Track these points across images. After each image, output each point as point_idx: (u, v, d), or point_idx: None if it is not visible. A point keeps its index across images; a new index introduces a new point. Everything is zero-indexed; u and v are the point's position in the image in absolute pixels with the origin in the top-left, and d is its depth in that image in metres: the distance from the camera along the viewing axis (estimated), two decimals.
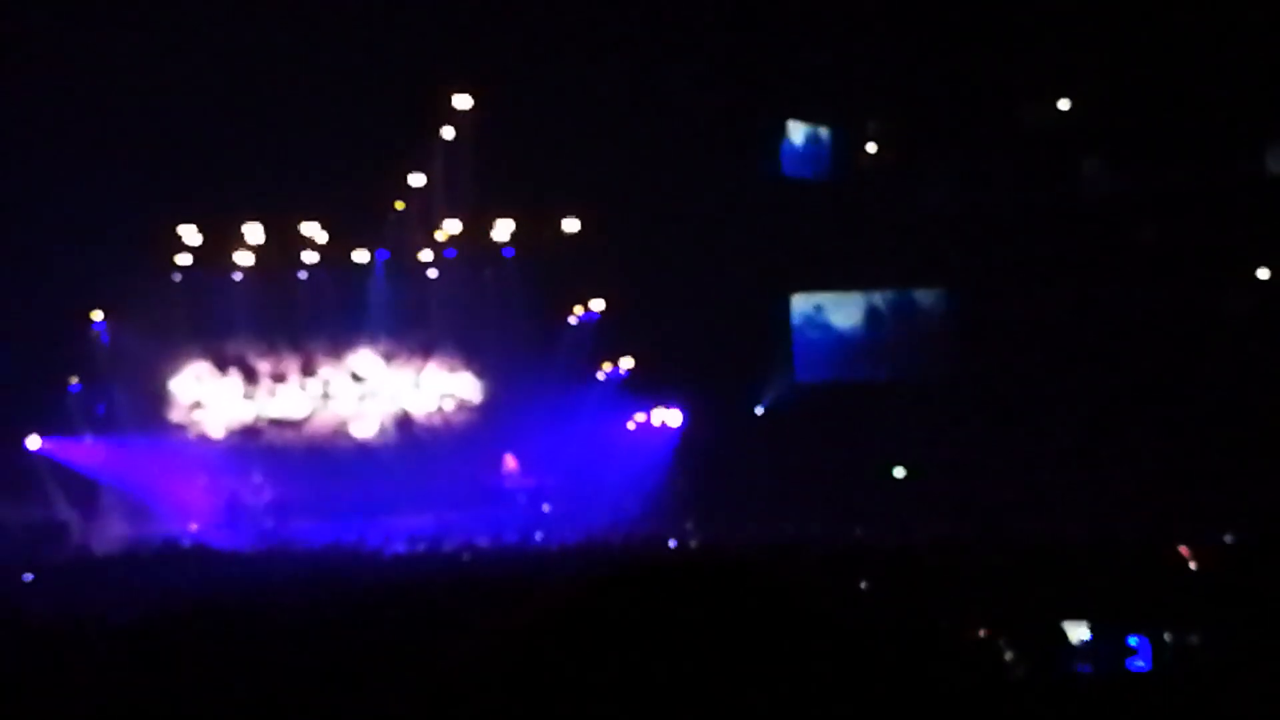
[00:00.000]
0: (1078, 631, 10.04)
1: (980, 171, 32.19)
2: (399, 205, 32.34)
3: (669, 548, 24.58)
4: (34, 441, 30.67)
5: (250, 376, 33.19)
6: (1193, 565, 15.26)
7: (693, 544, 25.60)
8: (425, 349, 33.66)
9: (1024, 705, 7.75)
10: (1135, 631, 10.07)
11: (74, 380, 31.73)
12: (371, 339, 33.40)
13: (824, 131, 33.20)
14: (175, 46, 28.34)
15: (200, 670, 10.98)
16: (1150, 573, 13.90)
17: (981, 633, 9.95)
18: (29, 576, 22.03)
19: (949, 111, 31.72)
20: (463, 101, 30.88)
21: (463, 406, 33.81)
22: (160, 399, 32.85)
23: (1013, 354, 31.21)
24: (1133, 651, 10.02)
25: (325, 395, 33.42)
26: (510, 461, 31.98)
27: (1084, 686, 9.64)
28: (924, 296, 33.98)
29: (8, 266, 28.80)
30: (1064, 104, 32.15)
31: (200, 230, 31.55)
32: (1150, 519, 22.65)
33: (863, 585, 13.49)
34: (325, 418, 33.34)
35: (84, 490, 30.79)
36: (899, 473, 31.61)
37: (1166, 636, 10.05)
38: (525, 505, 31.25)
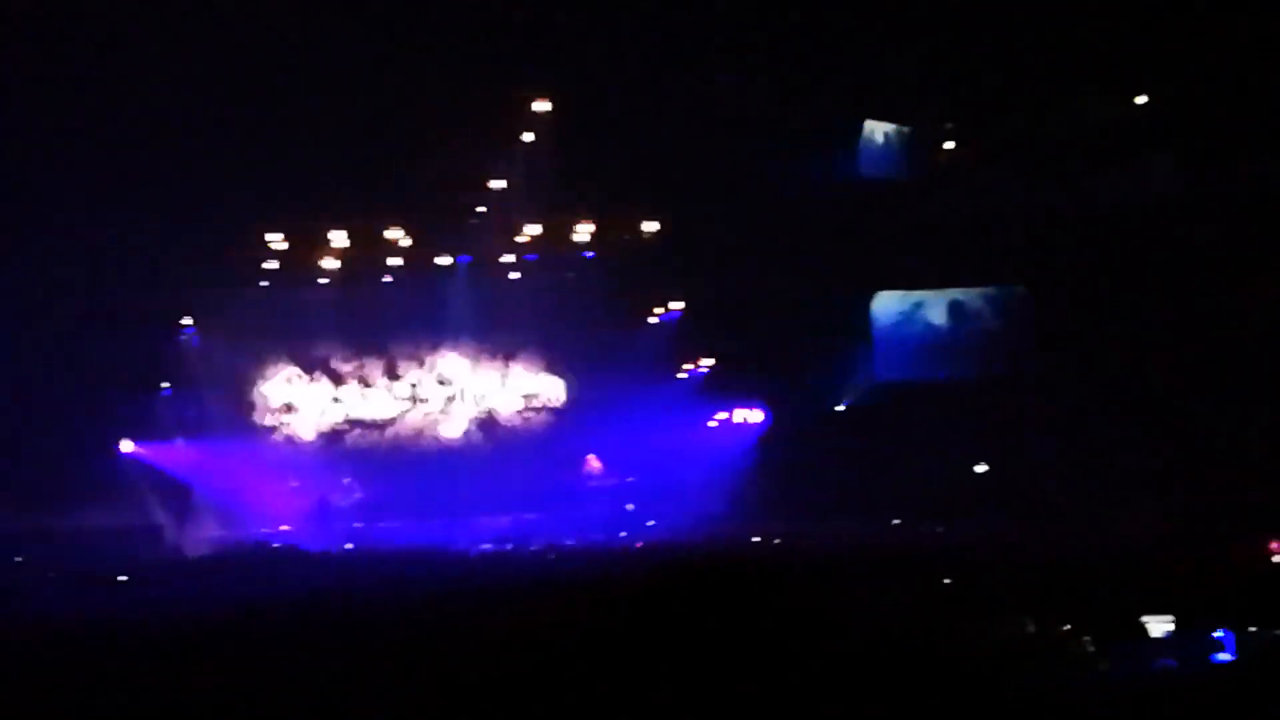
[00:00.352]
0: (1161, 626, 10.15)
1: (1056, 169, 32.12)
2: (480, 209, 32.54)
3: (751, 544, 24.71)
4: (127, 446, 31.03)
5: (337, 380, 33.50)
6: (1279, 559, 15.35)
7: (775, 541, 25.75)
8: (508, 351, 33.88)
9: (1107, 699, 7.93)
10: (1220, 626, 10.15)
11: (165, 385, 32.06)
12: (455, 342, 33.65)
13: (901, 131, 33.23)
14: (261, 56, 28.64)
15: (291, 669, 11.26)
16: (1235, 568, 13.99)
17: (1065, 628, 10.11)
18: (124, 579, 22.40)
19: (1024, 109, 31.70)
20: (542, 105, 31.04)
21: (546, 407, 34.02)
22: (249, 403, 33.19)
23: (1092, 351, 31.17)
24: (1218, 646, 10.08)
25: (411, 398, 33.70)
26: (593, 462, 32.17)
27: (1167, 681, 9.79)
28: (1002, 294, 33.96)
29: (100, 275, 29.23)
30: (1140, 99, 32.06)
31: (286, 237, 31.85)
32: (1236, 514, 22.66)
33: (946, 581, 13.65)
34: (412, 420, 33.62)
35: (176, 494, 31.13)
36: (980, 468, 31.62)
37: (1251, 630, 10.13)
38: (609, 505, 31.42)
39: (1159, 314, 31.14)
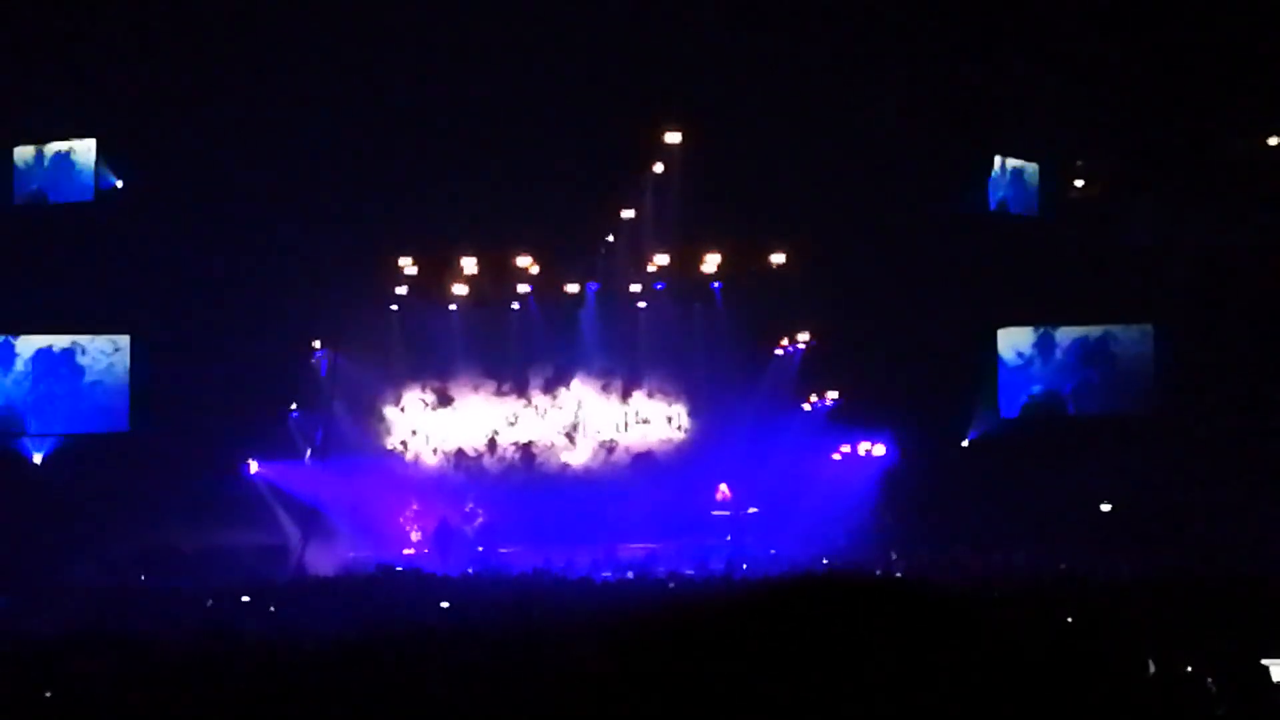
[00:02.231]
0: None
1: (1188, 207, 31.87)
2: (610, 238, 32.70)
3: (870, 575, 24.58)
4: (254, 466, 31.28)
5: (463, 404, 33.66)
6: None
7: (897, 574, 25.63)
8: (635, 379, 33.97)
9: None
10: None
11: (293, 407, 32.35)
12: (582, 368, 33.77)
13: (1031, 167, 33.06)
14: (395, 88, 29.00)
15: (410, 693, 11.31)
16: None
17: (1187, 669, 9.98)
18: (246, 598, 22.61)
19: (1156, 148, 31.47)
20: (672, 137, 31.18)
21: (670, 436, 34.06)
22: (376, 425, 33.45)
23: (1220, 390, 30.84)
24: None
25: (537, 423, 33.81)
26: (722, 490, 32.10)
27: None
28: (1131, 331, 33.68)
29: (231, 297, 29.61)
30: (1273, 140, 31.79)
31: (417, 262, 32.10)
32: None
33: (1069, 619, 13.53)
34: (537, 445, 33.75)
35: (302, 514, 31.36)
36: (1105, 507, 31.33)
37: None
38: (733, 534, 31.35)
39: None
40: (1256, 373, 30.72)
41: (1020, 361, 33.91)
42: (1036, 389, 33.98)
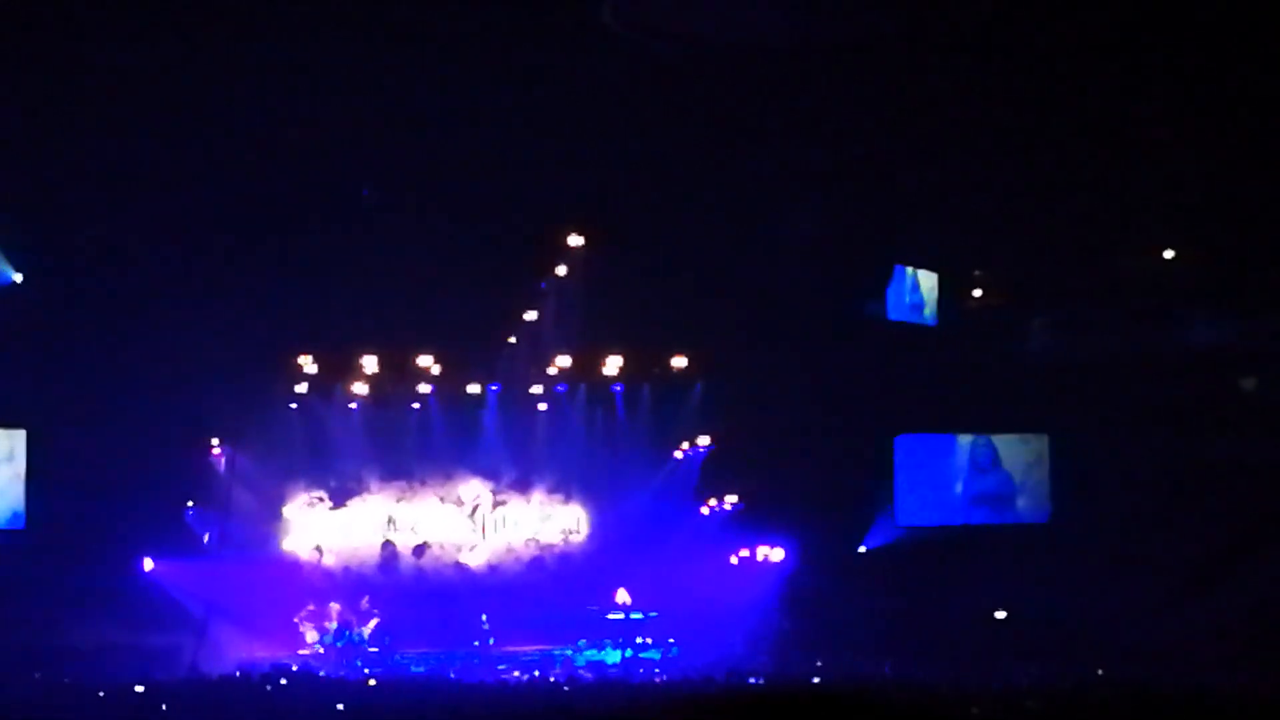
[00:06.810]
0: None
1: (1084, 319, 32.34)
2: (512, 339, 32.79)
3: (771, 683, 24.65)
4: (148, 564, 30.96)
5: (361, 503, 33.52)
6: None
7: (795, 680, 25.68)
8: (534, 480, 33.99)
9: None
10: None
11: (189, 504, 32.09)
12: (482, 469, 33.75)
13: (930, 277, 33.45)
14: (298, 185, 29.05)
15: None
16: None
17: None
18: (140, 689, 22.38)
19: (1053, 259, 31.94)
20: (575, 240, 31.43)
21: (568, 538, 34.08)
22: (273, 523, 33.19)
23: (1115, 500, 31.21)
24: None
25: (436, 523, 33.71)
26: (620, 594, 32.11)
27: None
28: (1026, 441, 33.98)
29: (129, 394, 29.41)
30: (1168, 254, 32.33)
31: (317, 360, 32.06)
32: (1253, 667, 22.60)
33: None
34: (435, 545, 33.63)
35: (196, 612, 31.04)
36: (1000, 615, 31.55)
37: None
38: (630, 638, 31.33)
39: (1187, 464, 31.19)
40: (1151, 483, 31.11)
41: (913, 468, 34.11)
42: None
